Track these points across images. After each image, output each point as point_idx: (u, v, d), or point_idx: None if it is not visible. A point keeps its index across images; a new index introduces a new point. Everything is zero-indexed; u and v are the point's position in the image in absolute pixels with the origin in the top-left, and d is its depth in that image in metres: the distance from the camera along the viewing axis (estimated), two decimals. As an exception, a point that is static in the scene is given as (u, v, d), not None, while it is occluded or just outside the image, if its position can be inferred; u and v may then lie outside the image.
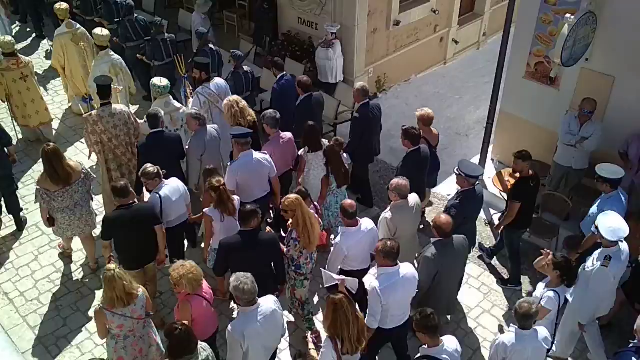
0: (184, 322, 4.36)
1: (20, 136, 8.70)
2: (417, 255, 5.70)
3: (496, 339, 4.70)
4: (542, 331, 4.59)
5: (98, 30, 8.27)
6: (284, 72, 7.80)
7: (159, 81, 7.32)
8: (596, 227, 5.16)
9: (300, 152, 6.73)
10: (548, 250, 5.11)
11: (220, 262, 5.35)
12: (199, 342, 4.33)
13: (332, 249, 5.48)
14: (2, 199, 7.22)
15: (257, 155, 6.27)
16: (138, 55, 9.11)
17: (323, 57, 9.41)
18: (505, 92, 7.85)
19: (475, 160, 7.93)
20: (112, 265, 4.73)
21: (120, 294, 4.65)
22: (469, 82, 11.03)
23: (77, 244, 6.95)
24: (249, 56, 9.08)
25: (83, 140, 7.80)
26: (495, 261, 7.04)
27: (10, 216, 7.32)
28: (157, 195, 5.85)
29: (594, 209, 5.84)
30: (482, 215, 7.22)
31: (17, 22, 12.06)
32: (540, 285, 5.15)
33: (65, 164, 6.09)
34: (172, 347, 4.16)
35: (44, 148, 6.07)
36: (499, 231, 6.73)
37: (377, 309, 4.74)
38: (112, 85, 7.13)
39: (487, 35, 12.42)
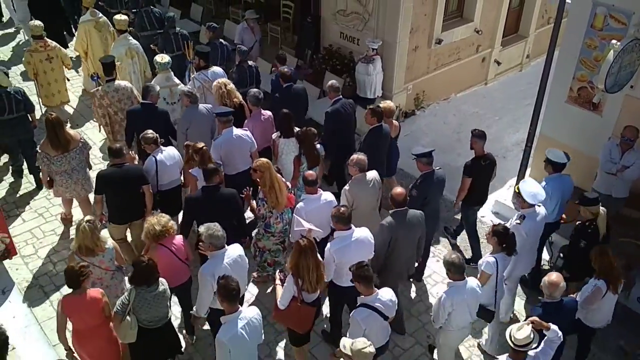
0: (149, 256, 4.96)
1: (43, 110, 9.33)
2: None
3: (440, 298, 5.10)
4: (472, 281, 5.12)
5: (118, 16, 9.19)
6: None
7: (161, 58, 8.10)
8: (518, 192, 5.92)
9: (274, 136, 7.16)
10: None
11: (185, 218, 5.96)
12: (160, 279, 4.93)
13: (294, 212, 5.94)
14: (25, 160, 8.12)
15: (237, 131, 6.87)
16: (151, 46, 9.58)
17: (363, 72, 9.46)
18: (546, 116, 7.70)
19: (512, 182, 7.83)
20: (88, 217, 5.36)
21: (85, 244, 5.23)
22: (510, 104, 10.88)
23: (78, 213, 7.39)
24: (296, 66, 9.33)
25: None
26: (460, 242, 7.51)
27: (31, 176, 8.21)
28: (153, 159, 6.46)
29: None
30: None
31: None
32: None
33: (65, 132, 6.72)
34: (134, 275, 4.82)
35: (47, 117, 6.71)
36: (457, 209, 7.29)
37: (331, 267, 5.29)
38: (115, 63, 7.91)
39: (531, 58, 12.26)
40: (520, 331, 4.39)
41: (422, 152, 6.27)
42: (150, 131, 6.50)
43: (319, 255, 5.12)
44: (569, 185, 6.51)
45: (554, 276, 4.95)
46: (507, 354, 4.55)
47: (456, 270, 4.99)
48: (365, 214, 6.05)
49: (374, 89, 9.61)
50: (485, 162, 6.75)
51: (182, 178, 6.92)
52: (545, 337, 4.59)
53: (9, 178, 8.42)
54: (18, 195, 8.11)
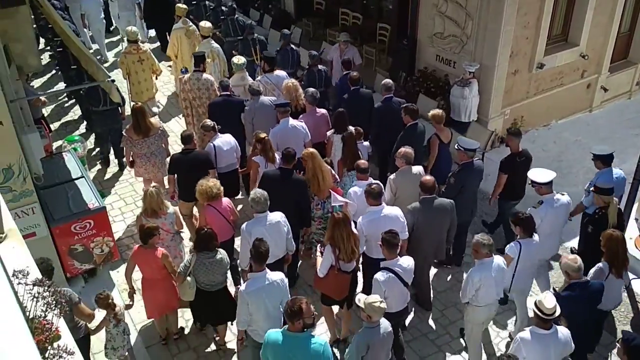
0: (210, 227, 5.69)
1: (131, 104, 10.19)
2: None
3: (469, 274, 5.41)
4: (497, 258, 5.39)
5: (202, 23, 10.33)
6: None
7: (237, 60, 8.96)
8: (531, 179, 6.29)
9: (329, 133, 7.68)
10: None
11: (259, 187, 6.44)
12: (219, 249, 5.61)
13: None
14: (112, 148, 9.24)
15: (294, 122, 7.54)
16: (233, 52, 10.30)
17: (458, 96, 9.29)
18: (658, 147, 7.20)
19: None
20: (154, 184, 6.34)
21: (152, 207, 6.11)
22: (616, 133, 10.24)
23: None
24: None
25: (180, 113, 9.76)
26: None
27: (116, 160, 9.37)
28: (212, 145, 7.24)
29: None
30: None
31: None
32: None
33: (147, 120, 7.60)
34: (197, 242, 5.59)
35: (133, 106, 7.80)
36: (491, 204, 7.53)
37: (361, 238, 5.75)
38: (206, 58, 8.90)
39: (641, 85, 11.53)
40: (547, 300, 4.59)
41: (470, 148, 6.65)
42: (208, 120, 7.40)
43: (353, 228, 5.64)
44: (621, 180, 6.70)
45: (571, 256, 5.24)
46: (530, 328, 4.77)
47: (484, 248, 5.26)
48: (405, 204, 6.28)
49: (469, 113, 9.37)
50: (520, 158, 7.01)
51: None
52: None
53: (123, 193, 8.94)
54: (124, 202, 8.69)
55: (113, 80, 7.58)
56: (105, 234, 6.76)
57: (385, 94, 8.09)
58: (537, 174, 6.30)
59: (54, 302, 2.11)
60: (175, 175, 7.15)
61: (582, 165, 8.97)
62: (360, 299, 4.70)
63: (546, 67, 9.76)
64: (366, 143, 7.51)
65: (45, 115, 10.28)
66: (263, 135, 6.99)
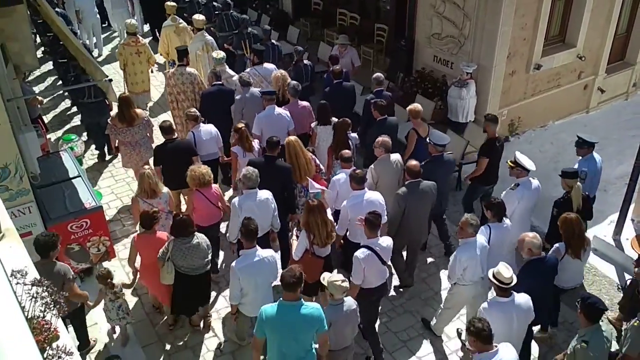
0: (187, 213, 6.09)
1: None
2: None
3: (455, 255, 5.67)
4: (480, 237, 5.70)
5: (196, 16, 10.53)
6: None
7: (216, 54, 9.18)
8: (514, 163, 6.53)
9: (313, 124, 8.01)
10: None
11: None
12: (196, 232, 5.80)
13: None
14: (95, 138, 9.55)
15: (279, 110, 7.89)
16: (225, 45, 10.81)
17: (455, 96, 9.30)
18: (655, 148, 7.22)
19: (613, 218, 7.35)
20: (147, 166, 6.69)
21: (147, 188, 6.40)
22: (613, 134, 10.26)
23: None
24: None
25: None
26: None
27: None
28: (192, 133, 7.57)
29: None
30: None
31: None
32: None
33: (132, 110, 7.78)
34: (173, 228, 5.81)
35: (121, 95, 7.99)
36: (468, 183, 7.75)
37: (344, 222, 6.18)
38: (187, 52, 9.10)
39: (638, 86, 11.60)
40: (504, 270, 4.93)
41: (443, 143, 6.93)
42: (193, 109, 7.79)
43: (328, 215, 5.92)
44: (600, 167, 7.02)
45: (531, 234, 5.47)
46: (491, 298, 5.12)
47: (470, 227, 5.57)
48: (387, 190, 6.63)
49: (466, 114, 9.38)
50: (498, 143, 7.38)
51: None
52: None
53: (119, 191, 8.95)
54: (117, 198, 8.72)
55: (110, 80, 7.63)
56: (102, 233, 6.73)
57: (376, 87, 8.42)
58: (525, 159, 6.54)
59: (53, 302, 2.10)
60: (161, 166, 7.31)
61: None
62: (325, 277, 4.95)
63: (543, 68, 9.78)
64: (354, 134, 7.72)
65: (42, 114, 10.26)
66: (240, 125, 7.34)
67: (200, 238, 5.83)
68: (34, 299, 2.09)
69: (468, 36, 9.35)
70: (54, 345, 2.08)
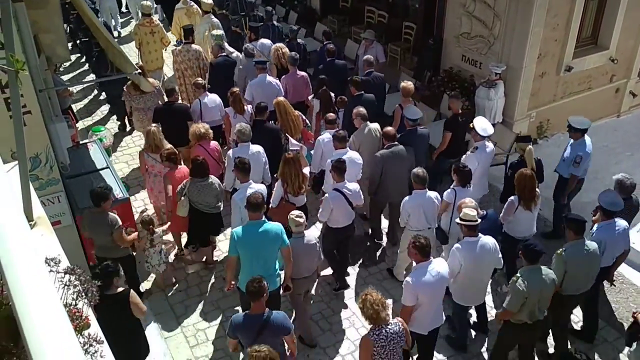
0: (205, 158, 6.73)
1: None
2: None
3: (402, 204, 6.50)
4: (431, 193, 6.49)
5: None
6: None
7: (215, 32, 10.08)
8: (473, 127, 7.21)
9: (310, 97, 8.89)
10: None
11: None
12: (211, 175, 6.67)
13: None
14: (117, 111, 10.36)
15: (269, 78, 8.70)
16: (232, 27, 11.73)
17: (483, 97, 9.19)
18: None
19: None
20: (154, 124, 7.52)
21: (152, 143, 7.27)
22: (644, 139, 10.06)
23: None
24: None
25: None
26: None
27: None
28: (198, 101, 8.45)
29: (566, 153, 7.53)
30: None
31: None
32: None
33: (145, 79, 8.46)
34: (192, 169, 6.61)
35: (136, 64, 8.40)
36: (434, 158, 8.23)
37: (330, 179, 6.70)
38: (193, 31, 9.92)
39: (671, 91, 11.28)
40: (469, 210, 5.56)
41: (415, 117, 7.55)
42: (200, 79, 8.65)
43: (306, 170, 6.91)
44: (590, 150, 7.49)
45: (467, 200, 5.96)
46: (460, 242, 5.63)
47: (419, 180, 6.29)
48: (368, 157, 7.27)
49: (494, 115, 9.26)
50: (462, 118, 7.94)
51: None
52: None
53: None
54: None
55: (140, 73, 7.72)
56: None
57: (366, 68, 9.04)
58: (482, 125, 7.23)
59: (85, 290, 2.13)
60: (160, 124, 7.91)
61: (609, 171, 8.79)
62: (289, 215, 5.73)
63: (574, 70, 9.61)
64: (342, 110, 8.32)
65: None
66: (235, 89, 8.28)
67: (213, 179, 6.68)
68: (66, 287, 2.12)
69: (498, 36, 9.22)
70: (85, 333, 2.10)
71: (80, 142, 8.07)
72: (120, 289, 5.11)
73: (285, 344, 4.90)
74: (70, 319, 2.01)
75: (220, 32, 10.19)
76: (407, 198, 6.42)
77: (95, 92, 11.62)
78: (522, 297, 5.09)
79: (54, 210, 6.14)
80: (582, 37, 9.72)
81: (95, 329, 2.15)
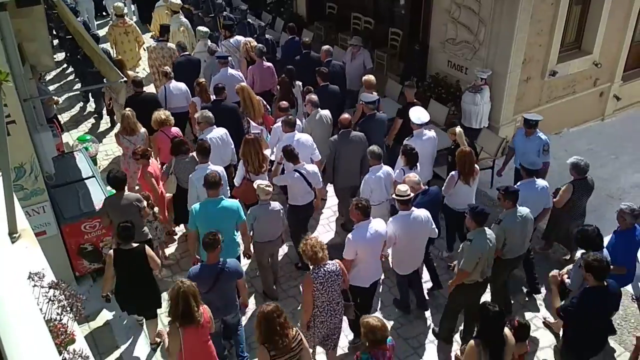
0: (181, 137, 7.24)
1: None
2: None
3: (363, 180, 6.92)
4: (386, 167, 6.99)
5: None
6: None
7: (202, 28, 10.63)
8: (409, 117, 7.54)
9: (277, 86, 9.27)
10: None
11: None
12: (192, 153, 6.90)
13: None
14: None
15: (231, 71, 9.21)
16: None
17: (469, 102, 9.22)
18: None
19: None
20: (128, 109, 7.73)
21: (129, 126, 7.56)
22: (629, 142, 10.17)
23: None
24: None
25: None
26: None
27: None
28: (164, 87, 8.90)
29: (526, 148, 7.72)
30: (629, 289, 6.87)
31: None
32: None
33: (124, 71, 8.67)
34: (172, 149, 6.94)
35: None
36: (388, 142, 8.50)
37: (280, 167, 7.12)
38: (170, 30, 10.58)
39: (654, 94, 11.43)
40: (402, 186, 6.02)
41: (371, 100, 8.02)
42: (167, 67, 9.16)
43: (267, 152, 7.33)
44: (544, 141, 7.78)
45: (411, 175, 6.47)
46: (394, 216, 6.09)
47: (375, 156, 6.79)
48: (321, 141, 7.68)
49: (480, 119, 9.30)
50: (413, 106, 8.11)
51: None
52: None
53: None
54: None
55: (125, 81, 7.67)
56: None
57: (325, 56, 9.61)
58: (416, 114, 7.53)
59: (70, 305, 2.09)
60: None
61: (594, 175, 8.87)
62: (259, 184, 6.13)
63: (559, 75, 9.69)
64: (314, 96, 8.37)
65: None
66: (201, 80, 8.78)
67: (194, 156, 6.88)
68: (50, 302, 2.09)
69: (483, 42, 9.29)
70: (70, 349, 2.07)
71: (66, 152, 8.02)
72: (134, 245, 5.59)
73: (239, 290, 5.53)
74: (55, 335, 1.99)
75: (206, 29, 10.65)
76: (367, 176, 6.85)
77: (81, 103, 11.54)
78: (477, 257, 5.56)
79: (39, 220, 6.09)
80: (566, 42, 9.81)
81: (80, 344, 2.12)
